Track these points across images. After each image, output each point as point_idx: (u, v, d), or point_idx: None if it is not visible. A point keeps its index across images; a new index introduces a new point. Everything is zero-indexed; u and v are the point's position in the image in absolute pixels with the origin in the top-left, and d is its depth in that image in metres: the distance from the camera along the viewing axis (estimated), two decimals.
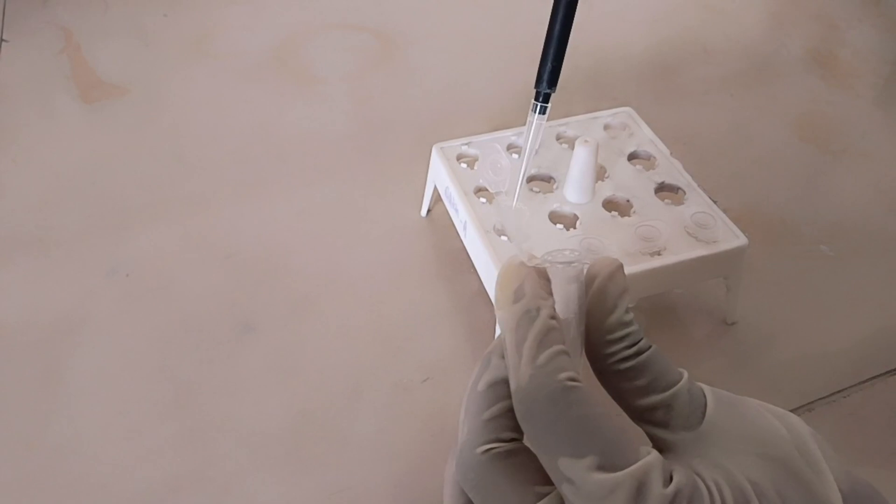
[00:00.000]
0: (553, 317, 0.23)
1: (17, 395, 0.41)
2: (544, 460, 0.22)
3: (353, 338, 0.44)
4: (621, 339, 0.24)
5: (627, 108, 0.50)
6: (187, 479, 0.38)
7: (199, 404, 0.41)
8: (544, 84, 0.38)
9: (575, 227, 0.42)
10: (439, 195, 0.48)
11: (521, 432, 0.23)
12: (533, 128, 0.38)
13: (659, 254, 0.40)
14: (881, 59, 0.69)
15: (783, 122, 0.62)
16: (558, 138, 0.48)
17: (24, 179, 0.54)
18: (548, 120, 0.49)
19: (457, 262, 0.48)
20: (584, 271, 0.25)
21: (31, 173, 0.55)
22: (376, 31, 0.70)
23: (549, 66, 0.38)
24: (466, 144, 0.47)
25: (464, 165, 0.46)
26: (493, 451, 0.23)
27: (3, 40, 0.67)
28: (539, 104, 0.38)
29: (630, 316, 0.25)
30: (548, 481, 0.23)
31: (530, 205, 0.43)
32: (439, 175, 0.47)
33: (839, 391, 0.43)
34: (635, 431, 0.24)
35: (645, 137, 0.48)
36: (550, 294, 0.24)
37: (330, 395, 0.41)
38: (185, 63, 0.65)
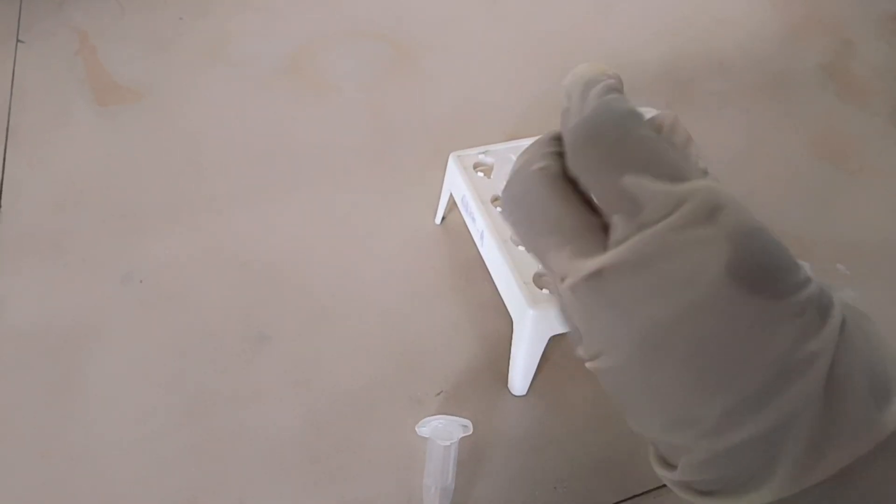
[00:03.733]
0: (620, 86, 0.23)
1: (32, 401, 0.41)
2: (603, 182, 0.21)
3: (368, 349, 0.44)
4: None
5: None
6: (202, 488, 0.38)
7: (214, 414, 0.41)
8: None
9: None
10: (454, 203, 0.48)
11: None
12: None
13: None
14: None
15: (799, 139, 0.61)
16: None
17: (39, 183, 0.54)
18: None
19: (470, 270, 0.48)
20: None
21: (46, 177, 0.55)
22: (392, 39, 0.70)
23: None
24: (483, 153, 0.47)
25: (480, 174, 0.46)
26: (547, 168, 0.23)
27: (19, 41, 0.67)
28: None
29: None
30: (588, 210, 0.22)
31: None
32: (456, 183, 0.46)
33: None
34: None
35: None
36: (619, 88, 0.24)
37: (345, 406, 0.41)
38: (201, 68, 0.65)
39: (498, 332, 0.45)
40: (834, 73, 0.69)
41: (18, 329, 0.45)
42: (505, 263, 0.40)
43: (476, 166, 0.46)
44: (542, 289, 0.38)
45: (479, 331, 0.45)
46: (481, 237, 0.43)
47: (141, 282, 0.47)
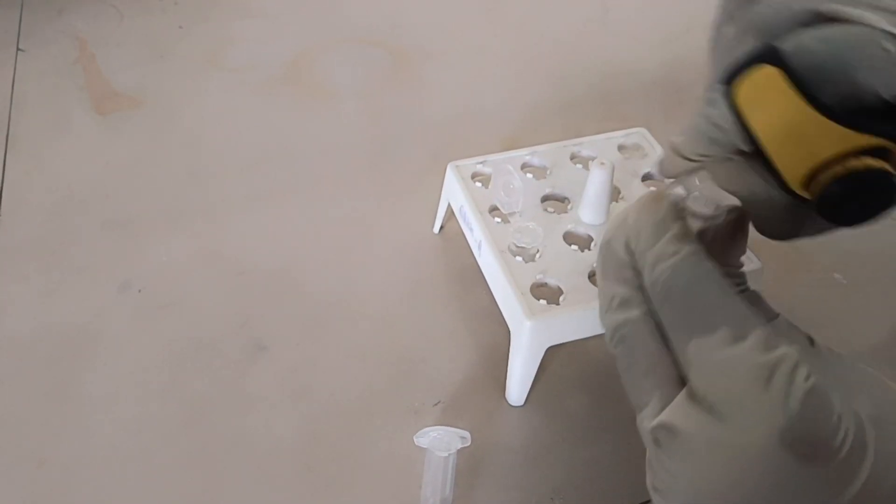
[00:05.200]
0: (687, 228, 0.26)
1: (29, 409, 0.41)
2: (675, 344, 0.23)
3: (366, 359, 0.44)
4: (734, 274, 0.27)
5: (641, 129, 0.50)
6: (198, 497, 0.38)
7: (210, 423, 0.41)
8: None
9: (590, 249, 0.42)
10: (452, 211, 0.48)
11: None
12: None
13: None
14: None
15: None
16: (572, 158, 0.48)
17: (38, 191, 0.54)
18: (561, 139, 0.50)
19: (468, 279, 0.48)
20: None
21: (44, 185, 0.55)
22: (390, 46, 0.70)
23: None
24: (481, 163, 0.47)
25: (478, 184, 0.46)
26: (649, 312, 0.26)
27: (19, 49, 0.67)
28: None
29: (741, 261, 0.28)
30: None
31: (544, 225, 0.43)
32: (454, 193, 0.47)
33: None
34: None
35: (658, 158, 0.48)
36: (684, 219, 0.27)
37: (342, 416, 0.41)
38: (200, 75, 0.66)
39: (495, 341, 0.45)
40: None
41: (16, 336, 0.45)
42: (502, 274, 0.40)
43: (474, 176, 0.47)
44: (539, 299, 0.39)
45: (477, 340, 0.45)
46: (479, 247, 0.43)
47: (140, 291, 0.47)
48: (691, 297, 0.23)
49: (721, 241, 0.28)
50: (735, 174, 0.28)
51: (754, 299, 0.27)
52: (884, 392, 0.23)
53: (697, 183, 0.30)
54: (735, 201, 0.29)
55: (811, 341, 0.25)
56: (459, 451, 0.38)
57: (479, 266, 0.44)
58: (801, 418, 0.20)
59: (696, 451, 0.22)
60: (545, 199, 0.45)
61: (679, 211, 0.27)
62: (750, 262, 0.41)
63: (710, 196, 0.29)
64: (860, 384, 0.23)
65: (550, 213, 0.44)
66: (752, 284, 0.42)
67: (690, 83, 0.68)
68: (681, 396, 0.23)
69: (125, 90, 0.64)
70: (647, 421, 0.24)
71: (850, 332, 0.47)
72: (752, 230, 0.31)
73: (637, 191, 0.46)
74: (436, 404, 0.42)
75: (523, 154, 0.48)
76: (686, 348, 0.23)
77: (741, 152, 0.27)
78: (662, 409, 0.24)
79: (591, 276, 0.40)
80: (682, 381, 0.24)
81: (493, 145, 0.59)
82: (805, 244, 0.53)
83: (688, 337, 0.23)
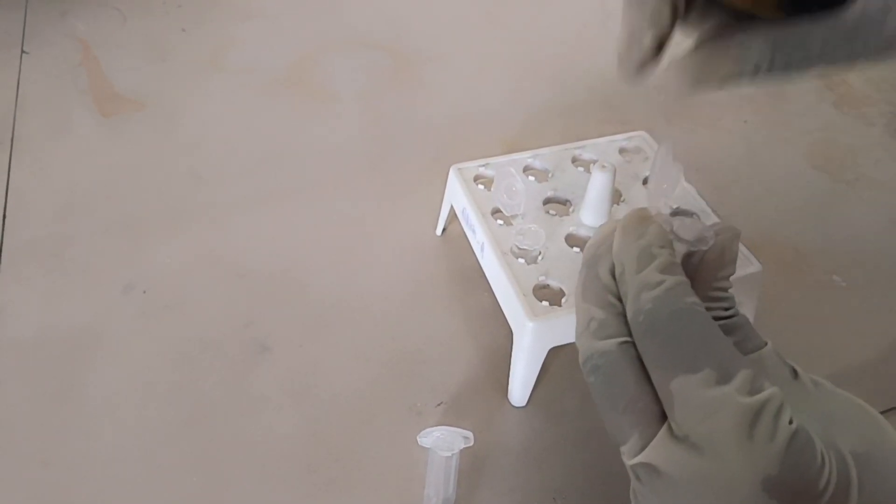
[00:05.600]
0: (673, 258, 0.25)
1: (32, 410, 0.41)
2: (657, 378, 0.23)
3: (368, 360, 0.44)
4: (722, 298, 0.26)
5: (642, 133, 0.51)
6: (201, 498, 0.38)
7: (213, 424, 0.41)
8: None
9: None
10: (454, 213, 0.48)
11: None
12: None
13: None
14: (894, 87, 0.70)
15: (796, 150, 0.62)
16: (574, 161, 0.48)
17: (42, 193, 0.54)
18: (562, 142, 0.50)
19: (470, 281, 0.48)
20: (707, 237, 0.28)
21: (48, 186, 0.55)
22: (391, 49, 0.70)
23: None
24: (484, 166, 0.47)
25: (481, 187, 0.46)
26: (628, 344, 0.24)
27: (23, 51, 0.67)
28: None
29: (730, 282, 0.27)
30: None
31: (546, 227, 0.43)
32: (456, 196, 0.47)
33: None
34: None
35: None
36: (671, 245, 0.26)
37: (344, 416, 0.41)
38: (202, 78, 0.66)
39: (497, 342, 0.45)
40: (831, 84, 0.70)
41: (20, 337, 0.45)
42: (505, 275, 0.40)
43: (476, 178, 0.47)
44: (541, 301, 0.39)
45: (479, 341, 0.45)
46: (482, 249, 0.43)
47: (144, 292, 0.47)
48: (675, 332, 0.23)
49: (709, 263, 0.28)
50: None
51: (743, 326, 0.26)
52: (870, 425, 0.23)
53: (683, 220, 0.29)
54: (722, 226, 0.29)
55: (795, 374, 0.25)
56: (462, 452, 0.38)
57: (480, 268, 0.44)
58: (785, 463, 0.20)
59: (679, 493, 0.21)
60: (547, 201, 0.46)
61: (665, 238, 0.26)
62: (749, 264, 0.42)
63: (695, 224, 0.29)
64: (845, 419, 0.23)
65: (552, 215, 0.44)
66: (752, 287, 0.43)
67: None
68: (662, 434, 0.22)
69: (128, 92, 0.64)
70: (628, 457, 0.24)
71: (848, 334, 0.47)
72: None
73: (638, 194, 0.46)
74: (438, 405, 0.42)
75: (525, 157, 0.48)
76: (669, 385, 0.22)
77: None
78: (643, 447, 0.23)
79: None
80: (662, 417, 0.23)
81: (493, 148, 0.59)
82: (804, 246, 0.53)
83: (671, 374, 0.22)
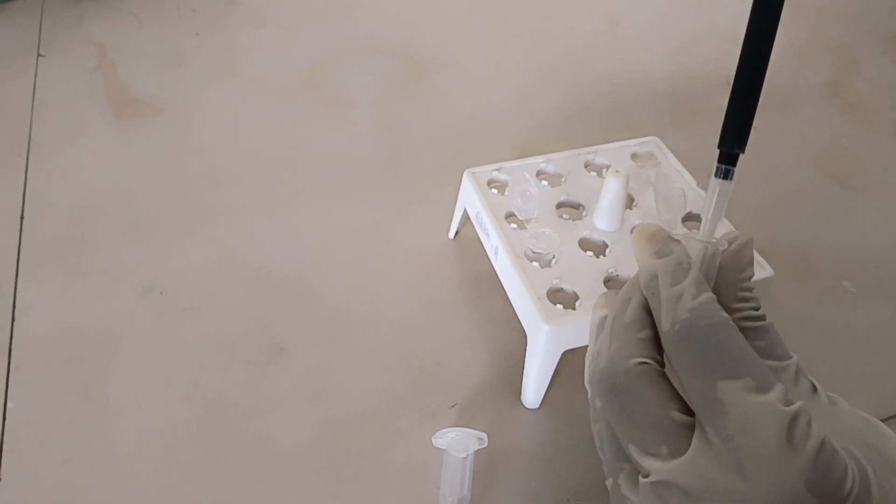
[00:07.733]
0: (702, 276, 0.26)
1: (53, 409, 0.42)
2: (697, 386, 0.23)
3: (383, 361, 0.45)
4: (748, 299, 0.27)
5: (654, 138, 0.51)
6: (218, 498, 0.38)
7: (231, 424, 0.41)
8: (733, 142, 0.31)
9: (605, 255, 0.43)
10: (466, 217, 0.49)
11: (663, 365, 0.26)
12: (716, 194, 0.30)
13: None
14: None
15: (804, 156, 0.62)
16: (587, 166, 0.49)
17: (59, 194, 0.55)
18: (572, 148, 0.51)
19: (484, 284, 0.49)
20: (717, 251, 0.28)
21: (66, 189, 0.56)
22: (404, 55, 0.71)
23: (739, 120, 0.31)
24: (497, 170, 0.48)
25: (494, 191, 0.47)
26: (648, 365, 0.25)
27: (39, 55, 0.68)
28: (724, 167, 0.31)
29: (752, 284, 0.28)
30: (686, 410, 0.24)
31: (559, 232, 0.44)
32: (470, 200, 0.47)
33: None
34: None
35: (671, 167, 0.49)
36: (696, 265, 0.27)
37: (360, 418, 0.42)
38: (217, 83, 0.67)
39: (511, 345, 0.45)
40: (839, 91, 0.70)
41: (40, 337, 0.46)
42: (519, 279, 0.41)
43: (490, 183, 0.47)
44: (555, 304, 0.39)
45: (493, 344, 0.46)
46: (495, 252, 0.44)
47: (161, 293, 0.48)
48: (715, 342, 0.23)
49: (728, 268, 0.28)
50: None
51: (770, 330, 0.27)
52: (881, 440, 0.24)
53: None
54: (732, 234, 0.30)
55: (815, 389, 0.26)
56: (476, 453, 0.38)
57: (493, 271, 0.45)
58: (818, 467, 0.21)
59: (717, 499, 0.22)
60: (560, 205, 0.46)
61: (690, 258, 0.27)
62: (762, 269, 0.42)
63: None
64: (859, 434, 0.24)
65: (565, 219, 0.45)
66: (764, 292, 0.43)
67: (699, 93, 0.69)
68: (698, 444, 0.23)
69: (144, 97, 0.65)
70: (656, 475, 0.23)
71: (858, 340, 0.48)
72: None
73: (650, 199, 0.47)
74: (452, 407, 0.43)
75: (539, 161, 0.49)
76: (715, 390, 0.23)
77: None
78: (674, 459, 0.23)
79: (607, 282, 0.41)
80: (689, 433, 0.23)
81: (504, 153, 0.60)
82: (814, 252, 0.53)
83: (714, 379, 0.23)
